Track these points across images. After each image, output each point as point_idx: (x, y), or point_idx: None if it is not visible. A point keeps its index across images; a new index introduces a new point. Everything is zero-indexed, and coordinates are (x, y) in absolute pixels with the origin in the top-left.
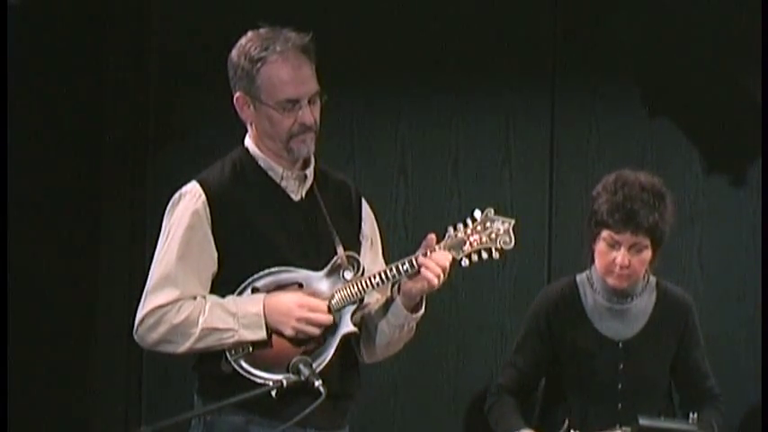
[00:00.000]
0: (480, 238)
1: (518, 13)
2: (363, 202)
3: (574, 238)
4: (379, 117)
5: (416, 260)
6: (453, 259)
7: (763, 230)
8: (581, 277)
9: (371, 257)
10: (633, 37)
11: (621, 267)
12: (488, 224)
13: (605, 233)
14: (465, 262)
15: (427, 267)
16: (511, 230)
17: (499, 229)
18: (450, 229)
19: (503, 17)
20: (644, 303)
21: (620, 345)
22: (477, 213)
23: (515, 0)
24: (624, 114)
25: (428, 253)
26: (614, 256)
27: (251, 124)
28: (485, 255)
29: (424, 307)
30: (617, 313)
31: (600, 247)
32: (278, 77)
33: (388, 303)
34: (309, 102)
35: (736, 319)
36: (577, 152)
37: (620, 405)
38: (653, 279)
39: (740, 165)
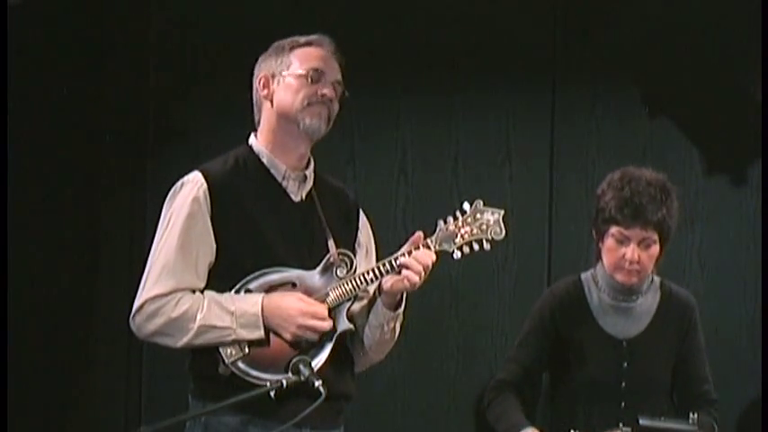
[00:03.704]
0: (471, 230)
1: (518, 14)
2: (360, 211)
3: (574, 238)
4: (380, 117)
5: (403, 256)
6: (444, 252)
7: (763, 230)
8: (586, 276)
9: (365, 266)
10: (633, 37)
11: (631, 263)
12: (478, 216)
13: (614, 229)
14: (457, 254)
15: (409, 267)
16: (501, 221)
17: (489, 220)
18: (441, 223)
19: (503, 17)
20: (648, 302)
21: (625, 343)
22: (467, 206)
23: (516, 0)
24: (624, 114)
25: (409, 253)
26: (623, 252)
27: (264, 112)
28: (476, 246)
29: (403, 306)
30: (622, 311)
31: (608, 243)
32: (309, 53)
33: (370, 306)
34: (333, 85)
35: (736, 318)
36: (577, 152)
37: (623, 404)
38: (657, 279)
39: (740, 165)
